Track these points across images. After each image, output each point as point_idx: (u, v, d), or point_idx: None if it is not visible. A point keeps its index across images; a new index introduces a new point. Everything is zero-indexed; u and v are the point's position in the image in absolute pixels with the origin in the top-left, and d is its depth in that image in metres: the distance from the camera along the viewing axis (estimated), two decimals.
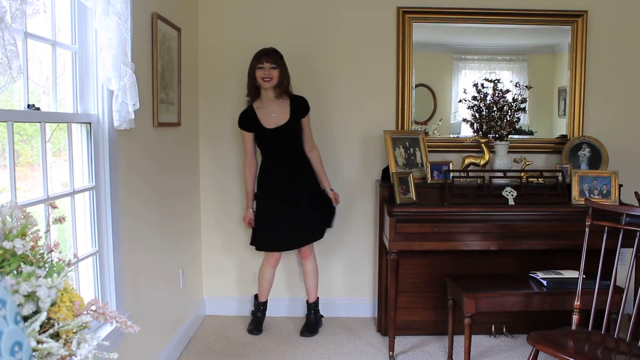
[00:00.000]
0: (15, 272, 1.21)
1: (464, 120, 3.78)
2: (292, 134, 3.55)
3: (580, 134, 3.88)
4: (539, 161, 3.92)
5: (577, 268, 2.81)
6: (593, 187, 3.47)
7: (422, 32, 3.86)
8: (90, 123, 2.28)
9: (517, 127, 3.79)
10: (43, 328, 1.18)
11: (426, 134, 3.83)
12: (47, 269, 1.27)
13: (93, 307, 1.28)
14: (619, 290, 2.74)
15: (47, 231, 1.43)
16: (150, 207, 2.88)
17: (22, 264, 1.22)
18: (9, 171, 1.72)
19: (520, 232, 3.24)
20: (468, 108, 3.72)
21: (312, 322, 3.72)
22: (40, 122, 1.94)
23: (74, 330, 1.23)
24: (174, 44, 3.22)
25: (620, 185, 3.51)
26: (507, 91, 3.65)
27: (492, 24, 3.85)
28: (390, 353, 3.33)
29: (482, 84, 3.66)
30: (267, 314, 3.89)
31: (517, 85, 3.75)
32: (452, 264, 3.55)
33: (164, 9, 3.03)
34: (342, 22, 3.88)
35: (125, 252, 2.51)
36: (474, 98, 3.68)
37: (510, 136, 3.69)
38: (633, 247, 2.51)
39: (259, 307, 3.77)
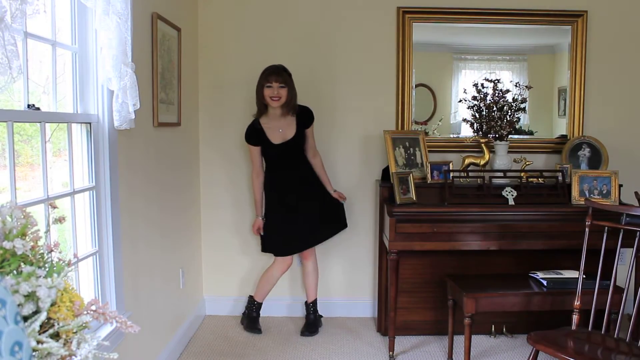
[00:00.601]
0: (15, 272, 1.21)
1: (464, 120, 3.78)
2: (299, 147, 3.60)
3: (580, 134, 3.88)
4: (539, 161, 3.92)
5: (577, 268, 2.81)
6: (593, 187, 3.47)
7: (422, 32, 3.86)
8: (90, 123, 2.28)
9: (517, 127, 3.79)
10: (43, 328, 1.18)
11: (426, 134, 3.83)
12: (47, 269, 1.26)
13: (93, 307, 1.28)
14: (619, 290, 2.74)
15: (47, 231, 1.43)
16: (150, 207, 2.88)
17: (22, 264, 1.22)
18: (9, 171, 1.72)
19: (520, 232, 3.24)
20: (468, 108, 3.72)
21: (312, 322, 3.73)
22: (40, 122, 1.94)
23: (74, 330, 1.22)
24: (174, 44, 3.22)
25: (620, 185, 3.51)
26: (507, 91, 3.65)
27: (492, 24, 3.85)
28: (390, 353, 3.33)
29: (482, 84, 3.66)
30: (268, 314, 3.89)
31: (517, 85, 3.75)
32: (452, 264, 3.55)
33: (164, 9, 3.03)
34: (342, 22, 3.88)
35: (125, 252, 2.51)
36: (474, 98, 3.68)
37: (510, 136, 3.69)
38: (633, 247, 2.51)
39: (253, 307, 3.77)
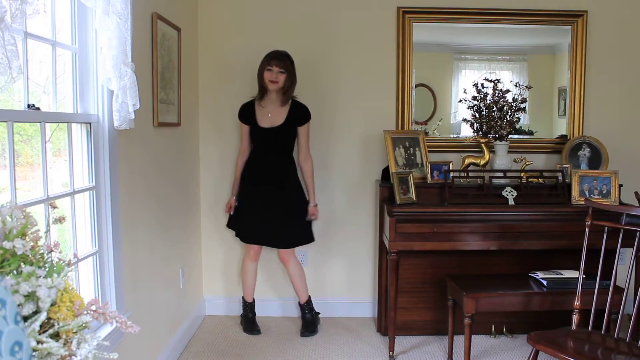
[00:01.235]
0: (15, 272, 1.21)
1: (464, 120, 3.78)
2: (284, 139, 3.57)
3: (580, 134, 3.88)
4: (539, 161, 3.92)
5: (577, 268, 2.81)
6: (593, 187, 3.47)
7: (422, 32, 3.86)
8: (90, 123, 2.28)
9: (517, 127, 3.79)
10: (43, 328, 1.18)
11: (426, 134, 3.83)
12: (47, 269, 1.26)
13: (93, 307, 1.28)
14: (619, 290, 2.75)
15: (47, 231, 1.43)
16: (150, 207, 2.88)
17: (22, 264, 1.22)
18: (9, 171, 1.72)
19: (520, 232, 3.24)
20: (468, 108, 3.72)
21: (310, 321, 3.72)
22: (40, 122, 1.94)
23: (74, 330, 1.22)
24: (174, 44, 3.22)
25: (620, 185, 3.51)
26: (507, 91, 3.65)
27: (492, 24, 3.85)
28: (390, 353, 3.33)
29: (482, 84, 3.66)
30: (267, 314, 3.89)
31: (517, 85, 3.75)
32: (452, 264, 3.55)
33: (164, 9, 3.03)
34: (342, 22, 3.88)
35: (125, 252, 2.51)
36: (474, 98, 3.68)
37: (510, 136, 3.69)
38: (633, 247, 2.51)
39: (247, 308, 3.78)
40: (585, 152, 3.79)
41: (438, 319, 3.60)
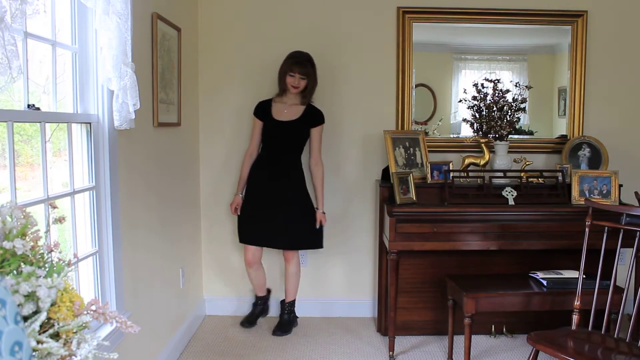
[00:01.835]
0: (15, 272, 1.21)
1: (464, 120, 3.78)
2: (295, 135, 3.58)
3: (580, 134, 3.88)
4: (539, 161, 3.92)
5: (577, 268, 2.81)
6: (593, 187, 3.47)
7: (422, 32, 3.86)
8: (90, 123, 2.28)
9: (517, 127, 3.79)
10: (43, 328, 1.18)
11: (426, 134, 3.83)
12: (47, 269, 1.26)
13: (93, 307, 1.28)
14: (619, 290, 2.74)
15: (47, 231, 1.43)
16: (150, 207, 2.88)
17: (22, 264, 1.22)
18: (9, 171, 1.72)
19: (520, 232, 3.24)
20: (468, 108, 3.72)
21: (286, 322, 3.72)
22: (40, 122, 1.94)
23: (74, 330, 1.22)
24: (174, 44, 3.22)
25: (620, 185, 3.51)
26: (507, 91, 3.65)
27: (492, 24, 3.85)
28: (390, 353, 3.33)
29: (482, 84, 3.66)
30: (268, 314, 3.89)
31: (517, 85, 3.75)
32: (452, 264, 3.55)
33: (164, 9, 3.03)
34: (342, 22, 3.88)
35: (125, 252, 2.51)
36: (474, 98, 3.68)
37: (510, 136, 3.69)
38: (633, 247, 2.51)
39: (256, 301, 3.83)
40: (585, 152, 3.79)
41: (438, 319, 3.60)
